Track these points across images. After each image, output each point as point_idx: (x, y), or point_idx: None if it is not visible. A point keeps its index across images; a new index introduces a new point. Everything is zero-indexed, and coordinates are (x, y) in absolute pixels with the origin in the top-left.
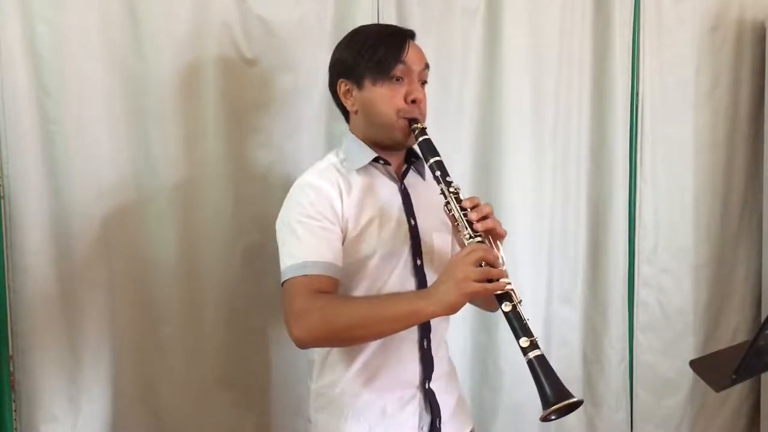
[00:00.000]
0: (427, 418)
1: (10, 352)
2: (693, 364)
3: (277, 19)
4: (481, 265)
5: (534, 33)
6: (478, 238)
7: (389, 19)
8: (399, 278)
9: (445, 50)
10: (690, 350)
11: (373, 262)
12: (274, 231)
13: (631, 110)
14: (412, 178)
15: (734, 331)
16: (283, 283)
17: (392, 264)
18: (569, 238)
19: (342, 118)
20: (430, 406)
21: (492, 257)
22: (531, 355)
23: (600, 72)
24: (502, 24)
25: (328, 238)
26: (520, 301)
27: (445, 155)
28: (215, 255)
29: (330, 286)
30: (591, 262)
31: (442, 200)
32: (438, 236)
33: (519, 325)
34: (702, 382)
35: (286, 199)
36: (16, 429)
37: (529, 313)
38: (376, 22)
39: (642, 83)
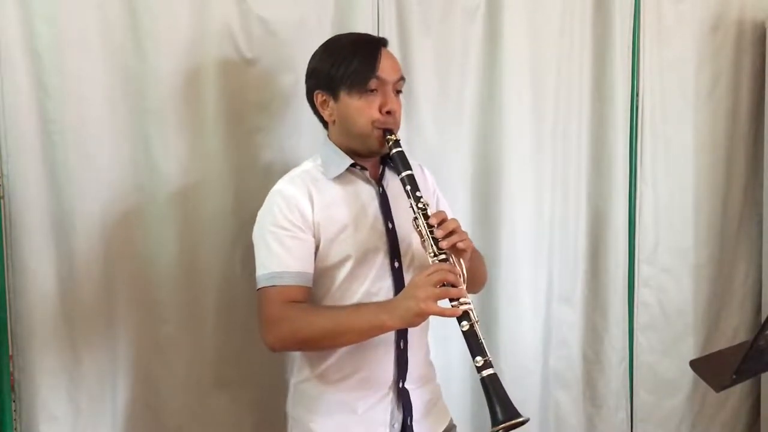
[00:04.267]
0: (398, 416)
1: (10, 352)
2: (693, 364)
3: (277, 20)
4: (443, 285)
5: (534, 33)
6: (442, 256)
7: (389, 19)
8: (374, 281)
9: (445, 50)
10: (690, 350)
11: (348, 266)
12: None
13: (631, 110)
14: (392, 181)
15: (734, 331)
16: (257, 290)
17: (367, 267)
18: (569, 238)
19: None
20: (402, 405)
21: (452, 278)
22: (484, 373)
23: (600, 72)
24: (502, 24)
25: (297, 247)
26: (477, 321)
27: (445, 155)
28: (215, 255)
29: (300, 295)
30: (591, 262)
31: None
32: (418, 237)
33: (475, 344)
34: (702, 382)
35: (261, 208)
36: (16, 429)
37: (528, 313)
38: (377, 22)
39: (642, 83)
